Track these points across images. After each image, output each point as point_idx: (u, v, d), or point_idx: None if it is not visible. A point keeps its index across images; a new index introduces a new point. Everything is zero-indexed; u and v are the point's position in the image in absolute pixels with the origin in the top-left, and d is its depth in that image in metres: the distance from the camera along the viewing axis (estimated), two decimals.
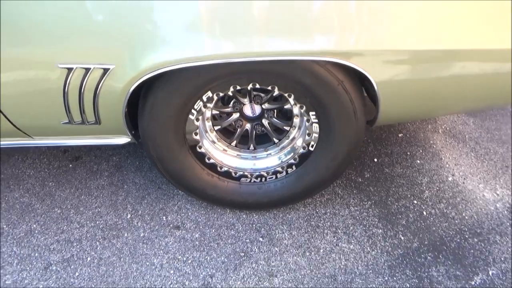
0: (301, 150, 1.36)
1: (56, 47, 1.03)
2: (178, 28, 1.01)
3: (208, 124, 1.37)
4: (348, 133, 1.25)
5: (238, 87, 1.19)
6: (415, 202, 1.57)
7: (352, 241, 1.42)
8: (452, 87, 1.18)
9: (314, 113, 1.24)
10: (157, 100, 1.16)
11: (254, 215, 1.51)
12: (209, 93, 1.18)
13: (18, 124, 1.23)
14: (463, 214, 1.52)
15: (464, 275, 1.31)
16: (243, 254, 1.38)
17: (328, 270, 1.33)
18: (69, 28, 1.01)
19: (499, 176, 1.68)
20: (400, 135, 1.90)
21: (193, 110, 1.22)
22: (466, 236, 1.43)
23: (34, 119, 1.22)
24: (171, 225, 1.47)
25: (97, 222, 1.49)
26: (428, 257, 1.36)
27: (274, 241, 1.42)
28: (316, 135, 1.30)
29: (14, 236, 1.43)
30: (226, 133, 1.45)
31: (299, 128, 1.37)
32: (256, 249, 1.39)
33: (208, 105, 1.23)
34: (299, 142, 1.37)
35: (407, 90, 1.16)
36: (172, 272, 1.32)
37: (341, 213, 1.52)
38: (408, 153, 1.79)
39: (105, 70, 1.04)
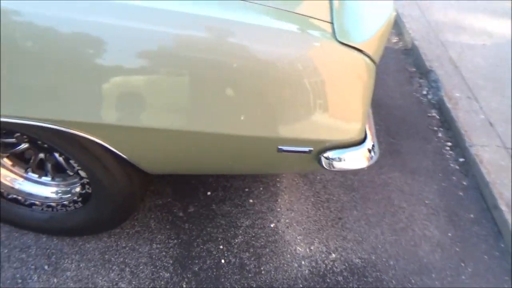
0: (79, 190, 1.33)
1: None
2: None
3: None
4: (110, 178, 1.22)
5: None
6: (221, 247, 1.54)
7: (134, 282, 1.42)
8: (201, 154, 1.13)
9: (73, 161, 1.20)
10: None
11: (55, 239, 1.51)
12: None
13: None
14: (261, 268, 1.49)
15: None
16: (20, 281, 1.40)
17: None
18: None
19: (324, 230, 1.64)
20: None
21: None
22: None
23: None
24: None
25: None
26: None
27: (58, 271, 1.43)
28: (87, 180, 1.27)
29: None
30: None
31: None
32: (36, 278, 1.41)
33: None
34: (77, 185, 1.35)
35: (147, 153, 1.12)
36: None
37: (140, 249, 1.51)
38: (247, 190, 1.75)
39: None
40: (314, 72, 0.94)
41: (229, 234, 1.59)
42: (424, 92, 2.39)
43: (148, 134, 1.02)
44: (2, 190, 1.38)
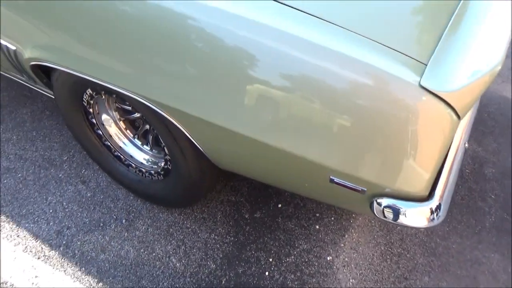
0: (163, 164, 1.50)
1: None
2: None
3: (115, 113, 1.62)
4: (184, 162, 1.35)
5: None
6: (271, 260, 1.54)
7: (183, 261, 1.53)
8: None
9: (160, 138, 1.36)
10: (57, 77, 1.45)
11: (138, 201, 1.73)
12: (89, 90, 1.42)
13: None
14: None
15: None
16: (102, 225, 1.64)
17: (141, 271, 1.50)
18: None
19: (382, 283, 1.49)
20: None
21: (83, 98, 1.48)
22: None
23: None
24: (81, 179, 1.82)
25: (45, 153, 1.91)
26: None
27: (131, 228, 1.63)
28: (169, 157, 1.42)
29: None
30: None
31: None
32: (113, 226, 1.64)
33: (96, 96, 1.48)
34: (162, 159, 1.51)
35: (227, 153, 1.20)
36: (50, 211, 1.68)
37: (200, 234, 1.62)
38: (318, 215, 1.70)
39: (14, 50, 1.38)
40: (390, 115, 0.88)
41: (283, 251, 1.58)
42: None
43: (231, 137, 1.08)
44: (111, 146, 1.65)
